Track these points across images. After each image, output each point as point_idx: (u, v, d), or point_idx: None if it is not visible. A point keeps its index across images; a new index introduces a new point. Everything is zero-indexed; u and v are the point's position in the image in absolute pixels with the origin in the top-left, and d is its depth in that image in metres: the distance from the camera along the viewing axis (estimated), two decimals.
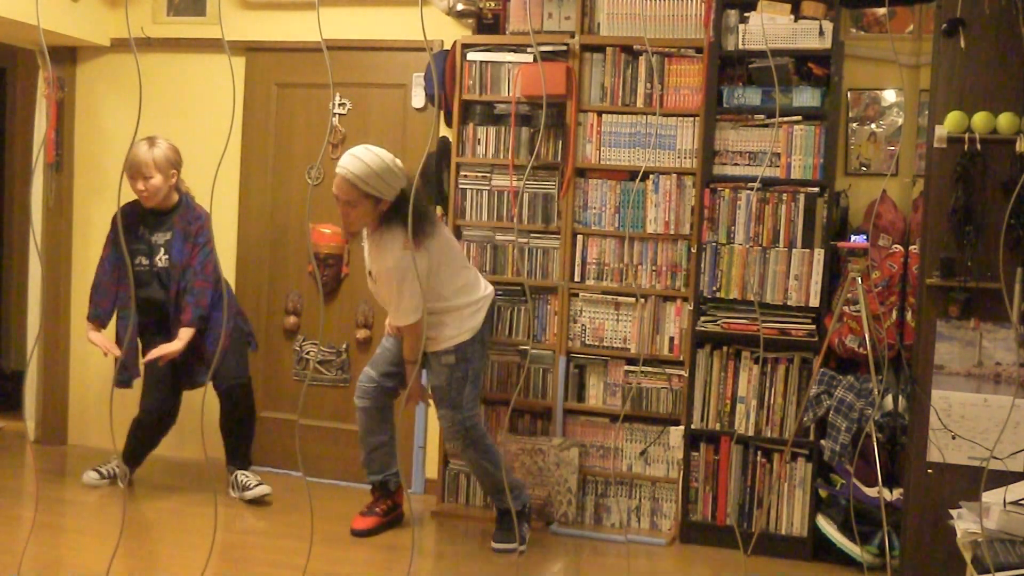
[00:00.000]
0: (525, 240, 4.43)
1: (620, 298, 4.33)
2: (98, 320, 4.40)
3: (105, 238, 4.53)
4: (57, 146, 5.16)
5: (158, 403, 4.43)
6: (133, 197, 4.40)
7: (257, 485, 4.42)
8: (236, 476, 4.46)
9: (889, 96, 4.23)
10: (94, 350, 5.23)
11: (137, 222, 4.39)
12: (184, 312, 4.30)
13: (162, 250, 4.35)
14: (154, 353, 4.25)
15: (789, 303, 4.04)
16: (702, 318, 4.13)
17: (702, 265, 4.12)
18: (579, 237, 4.36)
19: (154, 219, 4.39)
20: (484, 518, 4.33)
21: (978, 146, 3.43)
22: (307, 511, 4.24)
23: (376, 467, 4.11)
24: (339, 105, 4.84)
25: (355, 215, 3.78)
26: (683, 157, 4.25)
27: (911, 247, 3.91)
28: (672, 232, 4.26)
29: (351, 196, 3.74)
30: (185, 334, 4.27)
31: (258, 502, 4.39)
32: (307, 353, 4.94)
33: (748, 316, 4.07)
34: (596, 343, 4.36)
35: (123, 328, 4.46)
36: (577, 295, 4.37)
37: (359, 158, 3.75)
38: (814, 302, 4.00)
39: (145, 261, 4.36)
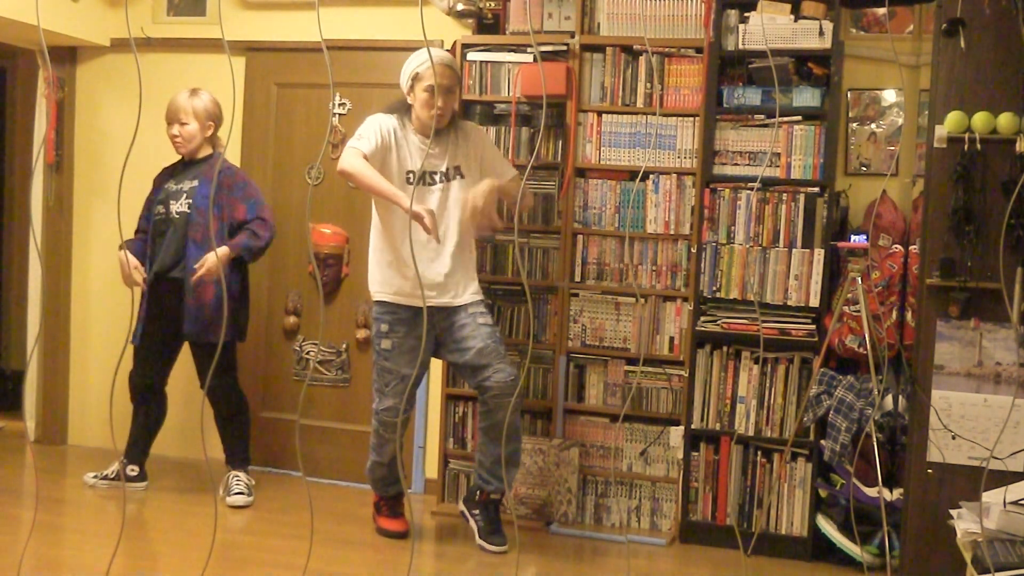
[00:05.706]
0: (525, 240, 4.43)
1: (620, 298, 4.33)
2: (130, 247, 4.39)
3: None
4: (57, 146, 5.16)
5: (141, 374, 4.41)
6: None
7: (237, 493, 4.34)
8: (228, 477, 4.44)
9: (889, 96, 4.23)
10: (94, 350, 5.26)
11: (167, 176, 4.43)
12: (237, 237, 4.24)
13: (184, 196, 4.32)
14: (198, 272, 4.17)
15: (789, 303, 4.04)
16: (702, 318, 4.13)
17: (702, 265, 4.13)
18: (579, 237, 4.36)
19: (182, 169, 4.43)
20: None
21: (978, 146, 3.43)
22: (307, 511, 4.24)
23: (392, 479, 4.08)
24: (339, 105, 4.84)
25: (453, 100, 3.99)
26: (683, 157, 4.25)
27: (911, 247, 3.91)
28: (672, 232, 4.25)
29: (455, 80, 3.97)
30: (223, 252, 4.17)
31: (252, 505, 4.36)
32: (307, 353, 4.94)
33: (748, 316, 4.07)
34: (596, 343, 4.36)
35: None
36: (577, 295, 4.37)
37: (439, 49, 4.11)
38: (814, 302, 4.00)
39: (162, 210, 4.36)
